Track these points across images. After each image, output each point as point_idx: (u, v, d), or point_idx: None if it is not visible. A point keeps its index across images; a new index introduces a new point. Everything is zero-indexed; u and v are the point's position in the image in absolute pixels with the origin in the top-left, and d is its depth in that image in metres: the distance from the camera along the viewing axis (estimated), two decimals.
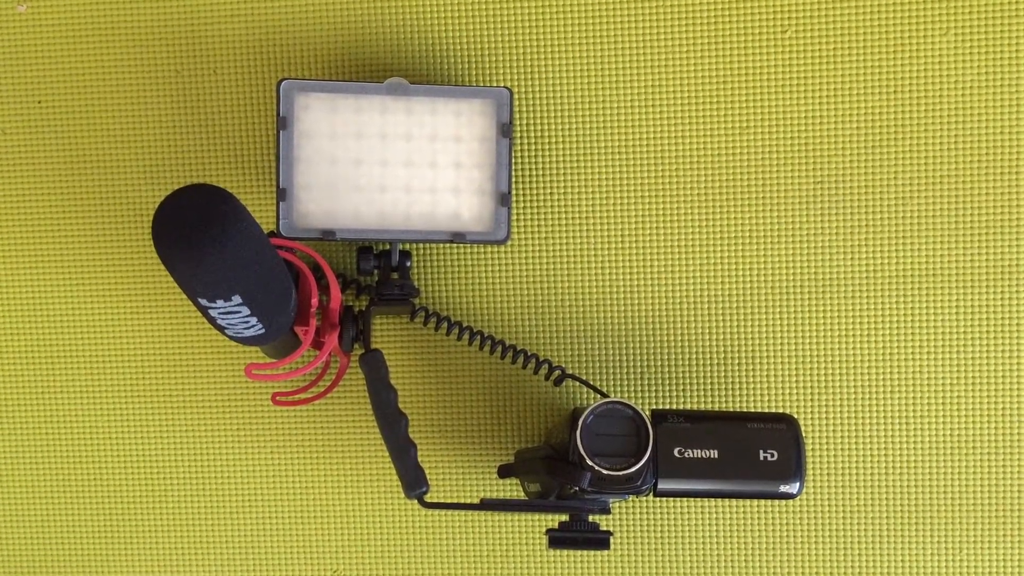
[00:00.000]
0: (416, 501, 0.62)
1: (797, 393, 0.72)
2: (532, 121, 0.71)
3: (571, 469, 0.60)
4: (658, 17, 0.71)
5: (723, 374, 0.72)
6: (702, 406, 0.72)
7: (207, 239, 0.47)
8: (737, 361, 0.71)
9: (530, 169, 0.71)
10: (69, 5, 0.72)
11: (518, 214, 0.72)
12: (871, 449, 0.71)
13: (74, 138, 0.73)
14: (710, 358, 0.72)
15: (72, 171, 0.73)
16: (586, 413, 0.59)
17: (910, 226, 0.71)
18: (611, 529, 0.70)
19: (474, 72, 0.71)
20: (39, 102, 0.73)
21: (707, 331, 0.71)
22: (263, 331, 0.57)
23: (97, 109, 0.72)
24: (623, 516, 0.72)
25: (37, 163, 0.73)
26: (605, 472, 0.59)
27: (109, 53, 0.72)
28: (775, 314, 0.71)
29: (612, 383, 0.72)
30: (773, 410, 0.72)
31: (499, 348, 0.69)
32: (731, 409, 0.71)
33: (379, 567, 0.73)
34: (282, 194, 0.66)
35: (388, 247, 0.68)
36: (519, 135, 0.71)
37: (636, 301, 0.72)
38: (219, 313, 0.53)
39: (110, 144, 0.73)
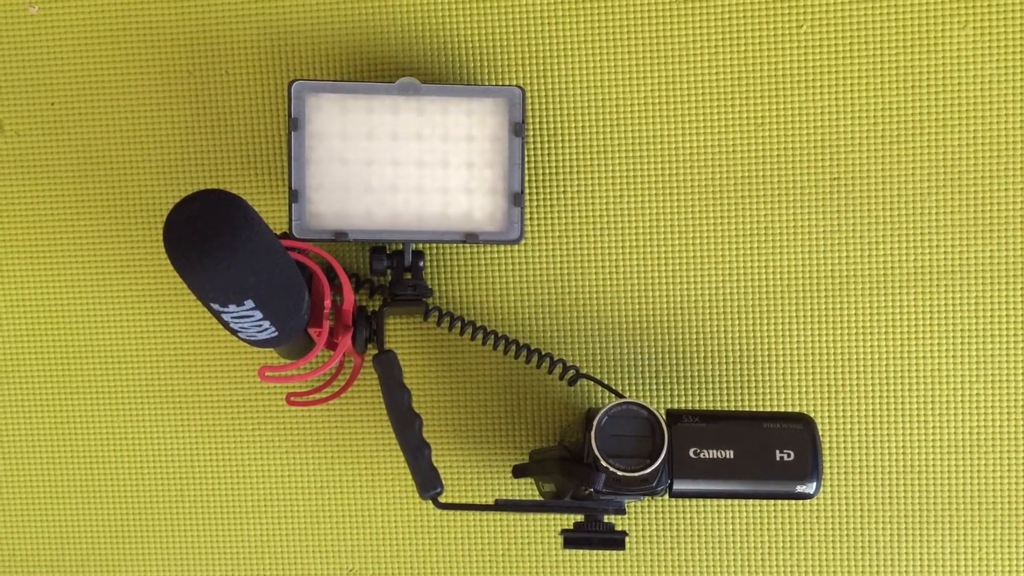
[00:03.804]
0: (430, 502, 0.62)
1: (814, 392, 0.71)
2: (544, 120, 0.71)
3: (586, 470, 0.59)
4: (672, 14, 0.70)
5: (739, 373, 0.71)
6: (718, 406, 0.71)
7: (217, 246, 0.47)
8: (753, 360, 0.71)
9: (543, 168, 0.71)
10: (80, 7, 0.72)
11: (531, 213, 0.71)
12: (889, 449, 0.71)
13: (87, 139, 0.73)
14: (726, 357, 0.71)
15: (85, 172, 0.73)
16: (600, 414, 0.59)
17: (928, 223, 0.70)
18: (626, 529, 0.70)
19: (486, 71, 0.71)
20: (52, 104, 0.73)
21: (722, 330, 0.71)
22: (276, 334, 0.57)
23: (109, 110, 0.72)
24: (638, 516, 0.72)
25: (50, 164, 0.73)
26: (620, 473, 0.58)
27: (121, 54, 0.72)
28: (791, 312, 0.71)
29: (627, 383, 0.72)
30: (789, 409, 0.71)
31: (513, 348, 0.69)
32: (747, 409, 0.71)
33: (394, 567, 0.73)
34: (294, 195, 0.66)
35: (401, 247, 0.68)
36: (531, 134, 0.71)
37: (650, 300, 0.71)
38: (231, 317, 0.53)
39: (122, 145, 0.73)
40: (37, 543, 0.75)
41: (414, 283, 0.68)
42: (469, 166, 0.67)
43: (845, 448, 0.71)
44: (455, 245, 0.71)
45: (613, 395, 0.69)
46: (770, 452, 0.61)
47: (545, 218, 0.71)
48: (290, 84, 0.65)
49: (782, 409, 0.71)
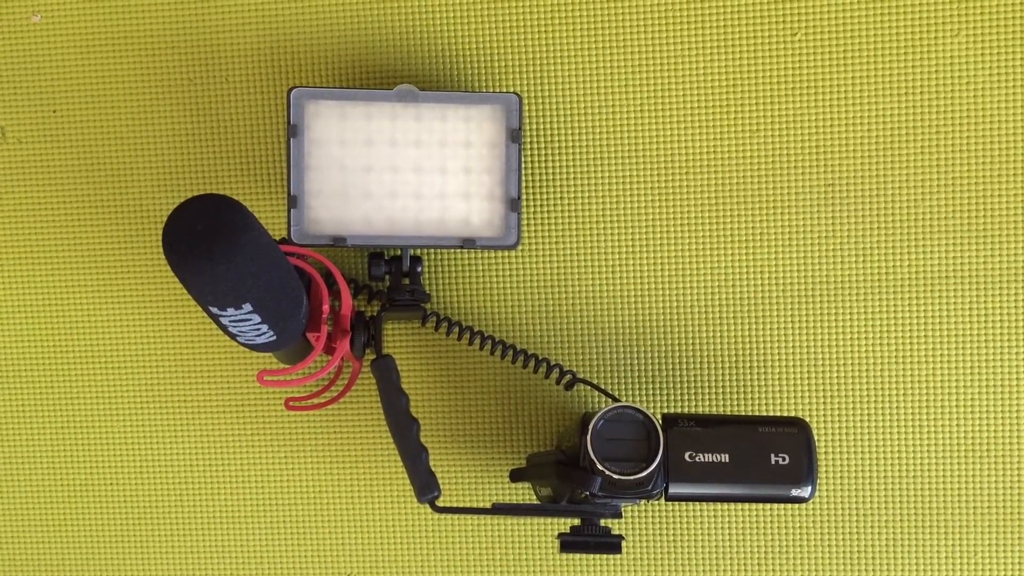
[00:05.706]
0: (428, 506, 0.62)
1: (808, 396, 0.71)
2: (541, 126, 0.71)
3: (582, 474, 0.60)
4: (667, 21, 0.71)
5: (734, 378, 0.71)
6: (713, 410, 0.72)
7: (216, 250, 0.48)
8: (748, 364, 0.71)
9: (540, 174, 0.72)
10: (82, 15, 0.73)
11: (528, 219, 0.72)
12: (883, 452, 0.71)
13: (88, 146, 0.73)
14: (721, 361, 0.71)
15: (86, 179, 0.73)
16: (596, 418, 0.60)
17: (921, 229, 0.70)
18: (623, 533, 0.70)
19: (483, 78, 0.71)
20: (54, 111, 0.73)
21: (718, 334, 0.71)
22: (275, 338, 0.57)
23: (110, 118, 0.73)
24: (635, 520, 0.72)
25: (51, 171, 0.74)
26: (616, 477, 0.59)
27: (122, 62, 0.73)
28: (786, 317, 0.71)
29: (623, 387, 0.72)
30: (784, 413, 0.71)
31: (510, 352, 0.70)
32: (742, 413, 0.71)
33: (391, 571, 0.74)
34: (293, 201, 0.66)
35: (399, 253, 0.68)
36: (528, 140, 0.71)
37: (646, 305, 0.72)
38: (230, 321, 0.53)
39: (123, 152, 0.73)
40: (37, 547, 0.76)
41: (412, 288, 0.68)
42: (467, 172, 0.67)
43: (840, 452, 0.71)
44: (453, 250, 0.72)
45: (609, 399, 0.69)
46: (765, 456, 0.61)
47: (542, 223, 0.72)
48: (289, 91, 0.66)
49: (777, 413, 0.71)
